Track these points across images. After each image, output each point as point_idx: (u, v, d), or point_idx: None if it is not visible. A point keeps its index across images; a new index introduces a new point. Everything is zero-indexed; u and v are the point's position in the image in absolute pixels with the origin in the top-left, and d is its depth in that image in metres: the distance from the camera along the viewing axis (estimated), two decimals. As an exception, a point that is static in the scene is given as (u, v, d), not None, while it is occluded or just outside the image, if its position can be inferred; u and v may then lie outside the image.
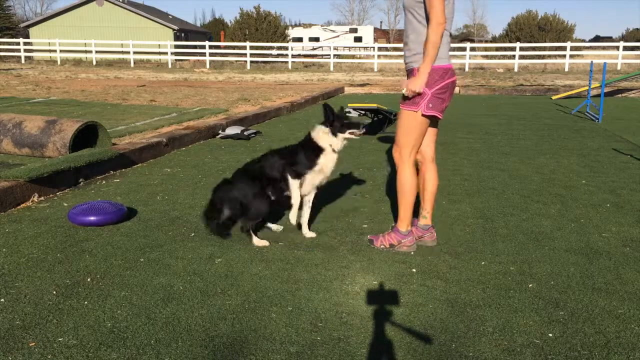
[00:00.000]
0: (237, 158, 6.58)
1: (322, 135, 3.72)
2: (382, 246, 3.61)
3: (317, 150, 3.72)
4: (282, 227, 3.97)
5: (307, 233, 3.86)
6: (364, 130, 3.78)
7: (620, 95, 15.92)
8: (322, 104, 3.77)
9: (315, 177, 3.76)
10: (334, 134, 3.69)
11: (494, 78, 21.64)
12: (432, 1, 3.23)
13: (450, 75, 3.44)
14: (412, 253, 3.55)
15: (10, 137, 5.95)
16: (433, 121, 3.58)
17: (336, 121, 3.69)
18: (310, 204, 3.90)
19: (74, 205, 4.27)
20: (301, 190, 3.76)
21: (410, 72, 3.48)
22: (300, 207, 3.82)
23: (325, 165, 3.74)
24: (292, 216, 3.75)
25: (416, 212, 3.70)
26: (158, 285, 3.03)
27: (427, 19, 3.31)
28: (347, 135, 3.71)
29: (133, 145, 6.24)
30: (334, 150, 3.73)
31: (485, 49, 37.25)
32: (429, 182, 3.66)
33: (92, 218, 3.95)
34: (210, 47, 31.78)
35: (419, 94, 3.39)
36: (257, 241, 3.68)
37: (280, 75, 23.49)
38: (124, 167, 5.84)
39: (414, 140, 3.51)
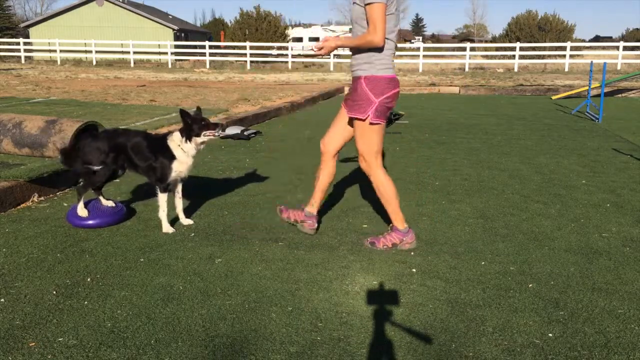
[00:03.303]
0: (237, 158, 6.58)
1: (177, 144, 3.89)
2: (384, 247, 3.61)
3: (172, 158, 3.89)
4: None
5: (185, 220, 4.08)
6: (222, 131, 3.94)
7: (620, 95, 15.92)
8: (180, 109, 3.93)
9: (175, 178, 3.98)
10: (189, 139, 3.87)
11: (494, 78, 21.63)
12: (375, 21, 3.29)
13: (395, 85, 3.50)
14: (412, 253, 3.55)
15: (10, 137, 5.94)
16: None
17: (193, 125, 3.85)
18: (180, 194, 4.09)
19: (73, 204, 4.26)
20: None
21: (355, 80, 3.52)
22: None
23: (181, 170, 3.93)
24: (165, 225, 3.92)
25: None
26: (158, 285, 3.03)
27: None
28: (203, 138, 3.89)
29: (133, 145, 6.23)
30: (188, 155, 3.91)
31: (485, 49, 37.27)
32: (325, 176, 3.78)
33: (90, 222, 3.95)
34: (210, 47, 31.79)
35: (369, 102, 3.42)
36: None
37: (280, 75, 23.49)
38: (124, 167, 5.83)
39: (375, 146, 3.55)
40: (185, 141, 3.86)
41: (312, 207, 3.86)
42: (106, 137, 3.95)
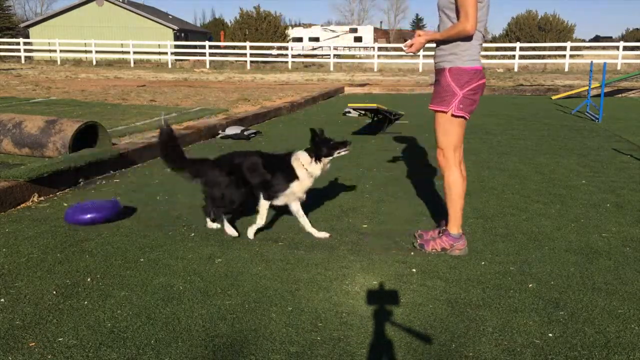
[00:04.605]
0: (237, 158, 6.57)
1: (302, 164, 3.74)
2: (433, 250, 3.55)
3: (293, 177, 3.74)
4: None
5: (317, 234, 3.84)
6: (350, 146, 3.83)
7: (620, 95, 15.92)
8: (310, 129, 3.78)
9: (288, 197, 3.80)
10: (318, 159, 3.73)
11: (494, 78, 21.63)
12: (467, 9, 3.20)
13: (480, 76, 3.41)
14: (412, 253, 3.55)
15: (10, 137, 5.94)
16: None
17: (323, 146, 3.72)
18: (302, 212, 3.88)
19: (73, 205, 4.27)
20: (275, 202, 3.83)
21: (439, 72, 3.46)
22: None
23: (298, 191, 3.78)
24: (251, 231, 3.80)
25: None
26: (158, 285, 3.03)
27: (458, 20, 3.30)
28: (334, 157, 3.78)
29: (133, 145, 6.24)
30: (310, 177, 3.78)
31: (485, 49, 37.19)
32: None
33: (88, 216, 3.96)
34: (210, 47, 31.78)
35: (451, 94, 3.36)
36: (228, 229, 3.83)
37: (280, 75, 23.49)
38: (124, 167, 5.84)
39: (455, 140, 3.49)
40: (315, 162, 3.73)
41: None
42: (225, 160, 3.86)
